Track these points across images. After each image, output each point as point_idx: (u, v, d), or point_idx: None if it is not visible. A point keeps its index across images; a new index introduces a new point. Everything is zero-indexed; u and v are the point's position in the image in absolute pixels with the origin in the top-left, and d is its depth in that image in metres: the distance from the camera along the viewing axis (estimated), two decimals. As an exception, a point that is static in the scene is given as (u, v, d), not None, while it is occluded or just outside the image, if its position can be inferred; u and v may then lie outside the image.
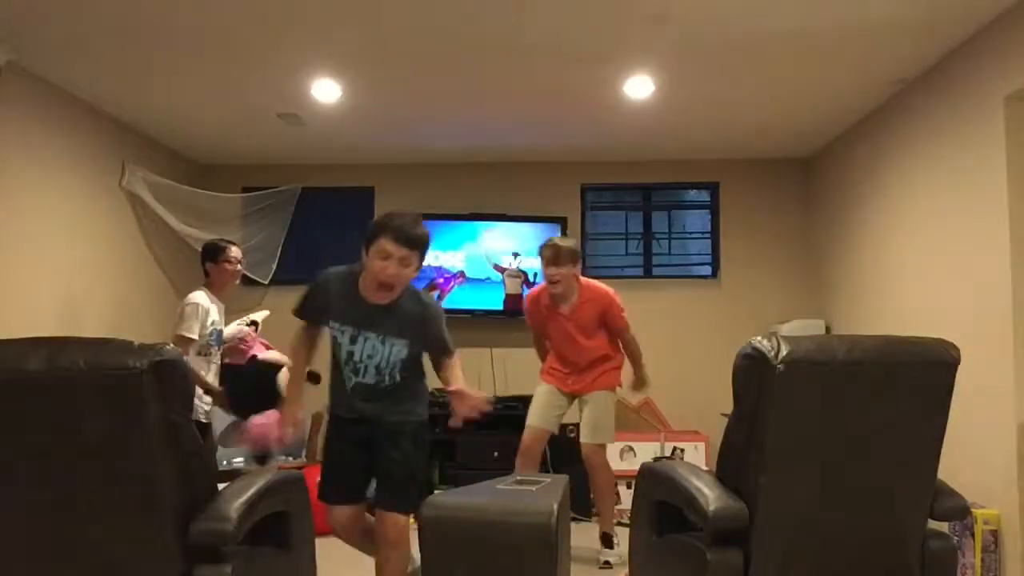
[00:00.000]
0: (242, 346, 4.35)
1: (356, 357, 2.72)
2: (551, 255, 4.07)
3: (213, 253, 4.20)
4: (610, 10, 3.60)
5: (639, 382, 4.41)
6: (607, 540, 4.20)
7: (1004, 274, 3.54)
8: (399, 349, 2.71)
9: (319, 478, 2.86)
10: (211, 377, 4.10)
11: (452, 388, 2.73)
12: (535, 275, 5.87)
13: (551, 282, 4.10)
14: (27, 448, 2.16)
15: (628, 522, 3.37)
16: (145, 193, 5.22)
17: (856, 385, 2.34)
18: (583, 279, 4.20)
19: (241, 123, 5.24)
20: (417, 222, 2.67)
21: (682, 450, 5.43)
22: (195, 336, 3.96)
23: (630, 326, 4.29)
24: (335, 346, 2.76)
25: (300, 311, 2.82)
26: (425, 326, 2.74)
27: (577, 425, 5.50)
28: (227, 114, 5.06)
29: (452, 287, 5.92)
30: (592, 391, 4.22)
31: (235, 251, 4.25)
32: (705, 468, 3.09)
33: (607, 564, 4.10)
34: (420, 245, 2.65)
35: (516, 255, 5.97)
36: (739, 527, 2.34)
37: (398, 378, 2.74)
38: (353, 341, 2.70)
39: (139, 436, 2.15)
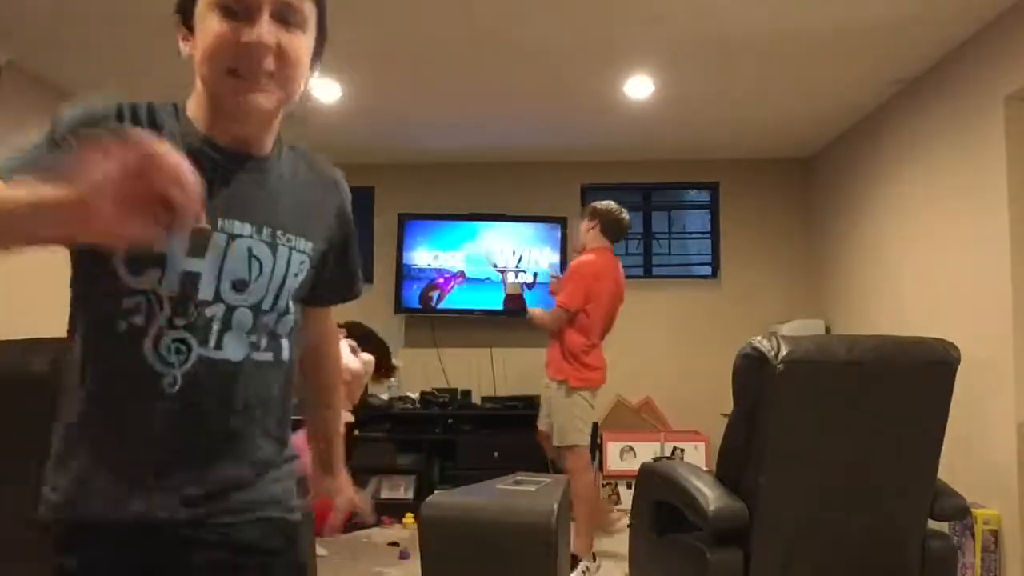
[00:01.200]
0: None
1: (207, 289, 1.09)
2: None
3: None
4: (610, 11, 3.60)
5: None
6: (572, 562, 3.65)
7: (1004, 274, 3.54)
8: (300, 262, 1.19)
9: None
10: None
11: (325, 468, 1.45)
12: (535, 275, 5.87)
13: None
14: (29, 449, 2.16)
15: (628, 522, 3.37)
16: (145, 193, 5.21)
17: (856, 385, 2.35)
18: (589, 259, 4.00)
19: (241, 123, 5.25)
20: None
21: (682, 450, 5.43)
22: None
23: (566, 307, 3.90)
24: (120, 287, 1.06)
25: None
26: (338, 211, 1.29)
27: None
28: (227, 114, 5.07)
29: (452, 287, 5.92)
30: (548, 379, 4.02)
31: None
32: (705, 468, 3.10)
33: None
34: None
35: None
36: (739, 527, 2.34)
37: (285, 346, 1.19)
38: (200, 250, 1.09)
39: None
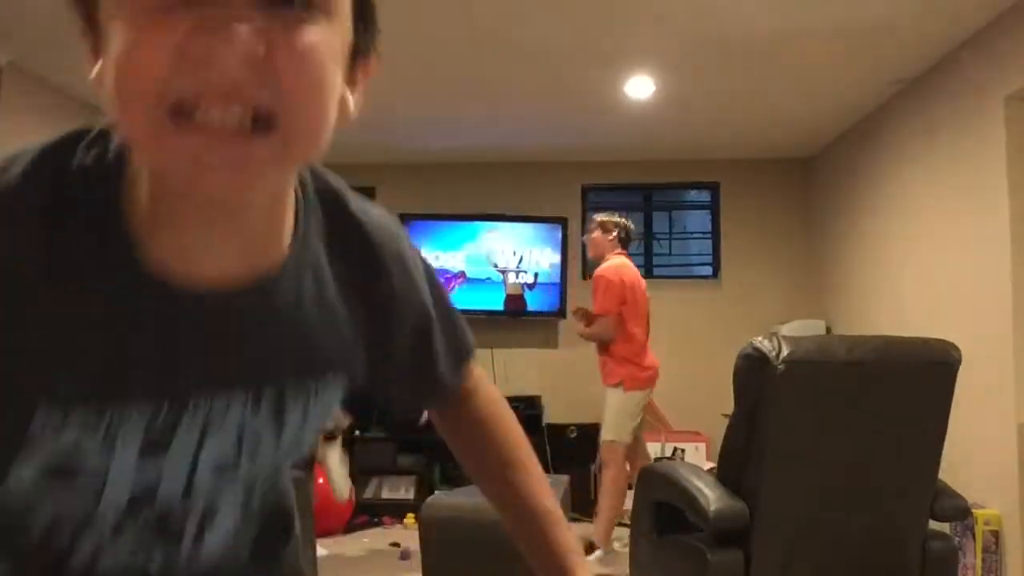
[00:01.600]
0: None
1: (171, 487, 0.67)
2: None
3: None
4: (610, 11, 3.60)
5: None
6: (588, 548, 3.86)
7: (1004, 274, 3.54)
8: (325, 406, 0.73)
9: None
10: None
11: None
12: (535, 275, 5.88)
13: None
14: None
15: (628, 522, 3.37)
16: (145, 193, 5.21)
17: (856, 385, 2.35)
18: (611, 264, 4.18)
19: (241, 123, 5.25)
20: None
21: (682, 450, 5.43)
22: None
23: (605, 313, 4.09)
24: (43, 488, 0.64)
25: None
26: (387, 293, 0.75)
27: (578, 425, 5.55)
28: (227, 114, 5.07)
29: (452, 288, 5.92)
30: (605, 388, 4.19)
31: None
32: (706, 468, 3.10)
33: None
34: None
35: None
36: (740, 527, 2.34)
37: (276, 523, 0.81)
38: (160, 447, 0.64)
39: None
